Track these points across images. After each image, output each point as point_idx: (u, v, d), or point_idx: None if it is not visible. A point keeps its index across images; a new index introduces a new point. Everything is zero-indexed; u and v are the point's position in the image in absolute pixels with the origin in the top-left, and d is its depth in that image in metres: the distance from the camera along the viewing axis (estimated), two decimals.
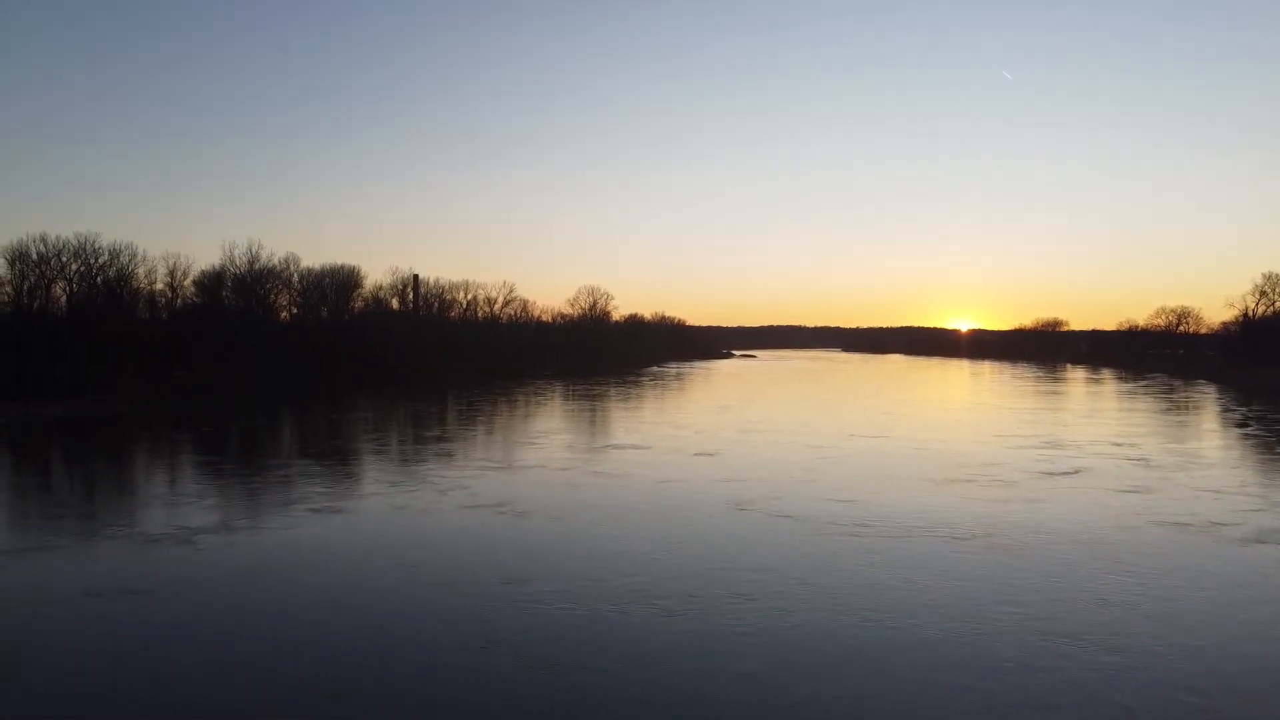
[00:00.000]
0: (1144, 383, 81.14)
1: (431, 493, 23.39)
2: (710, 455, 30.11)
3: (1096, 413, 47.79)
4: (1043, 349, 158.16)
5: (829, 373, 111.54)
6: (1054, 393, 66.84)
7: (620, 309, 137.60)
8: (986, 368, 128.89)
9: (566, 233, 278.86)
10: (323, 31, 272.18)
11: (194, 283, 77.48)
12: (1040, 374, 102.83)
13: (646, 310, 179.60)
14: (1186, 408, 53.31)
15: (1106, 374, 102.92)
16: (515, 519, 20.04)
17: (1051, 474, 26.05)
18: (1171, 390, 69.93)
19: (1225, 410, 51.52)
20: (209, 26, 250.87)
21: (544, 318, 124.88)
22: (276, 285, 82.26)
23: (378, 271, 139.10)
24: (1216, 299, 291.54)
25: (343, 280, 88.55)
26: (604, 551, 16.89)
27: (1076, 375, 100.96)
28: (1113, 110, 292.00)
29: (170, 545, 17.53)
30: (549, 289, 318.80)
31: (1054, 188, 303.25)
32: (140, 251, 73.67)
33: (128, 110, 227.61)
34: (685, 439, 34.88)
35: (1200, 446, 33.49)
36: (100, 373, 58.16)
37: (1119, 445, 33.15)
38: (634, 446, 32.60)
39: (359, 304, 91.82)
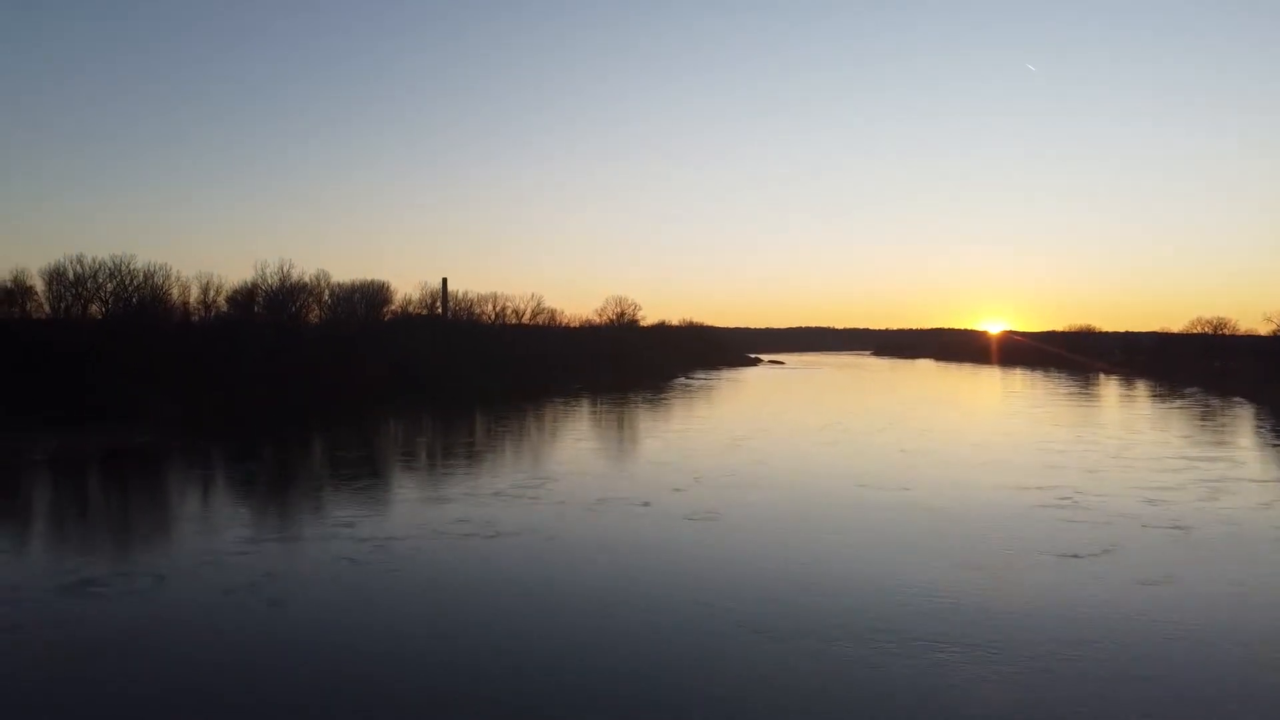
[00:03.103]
0: (1179, 401, 76.55)
1: (393, 563, 21.27)
2: (702, 520, 27.20)
3: (1129, 451, 43.89)
4: (1076, 352, 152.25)
5: (855, 386, 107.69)
6: (1086, 422, 62.63)
7: (648, 316, 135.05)
8: (1017, 378, 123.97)
9: (593, 242, 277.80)
10: (350, 56, 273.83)
11: (227, 299, 76.66)
12: (1072, 388, 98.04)
13: (675, 315, 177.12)
14: (1226, 441, 49.11)
15: (1140, 387, 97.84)
16: (438, 617, 17.44)
17: (1076, 556, 22.77)
18: (1209, 412, 65.50)
19: (1269, 445, 47.44)
20: (232, 52, 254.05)
21: (572, 325, 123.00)
22: (308, 301, 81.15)
23: (407, 287, 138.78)
24: (1254, 305, 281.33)
25: (372, 295, 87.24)
26: (507, 696, 14.15)
27: (1109, 390, 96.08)
28: (1146, 106, 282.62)
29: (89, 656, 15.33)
30: (577, 298, 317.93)
31: (1086, 186, 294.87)
32: (174, 272, 73.22)
33: (162, 137, 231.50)
34: (684, 490, 32.03)
35: (1241, 506, 29.86)
36: (133, 394, 56.89)
37: (1153, 504, 29.66)
38: (629, 501, 29.90)
39: (389, 317, 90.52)
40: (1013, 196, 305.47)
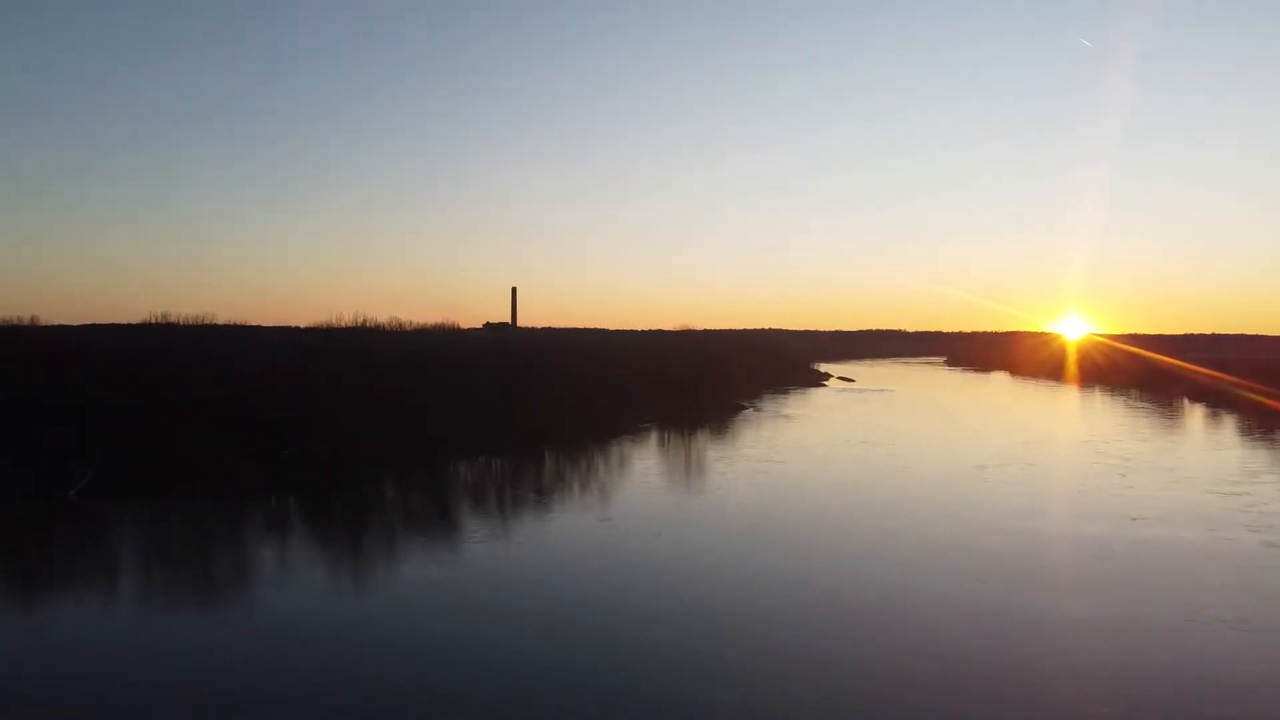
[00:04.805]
0: (1274, 449, 70.70)
1: None
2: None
3: (1212, 576, 39.87)
4: (1159, 367, 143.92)
5: (931, 422, 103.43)
6: (1171, 504, 57.96)
7: (715, 324, 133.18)
8: (1097, 408, 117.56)
9: (651, 247, 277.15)
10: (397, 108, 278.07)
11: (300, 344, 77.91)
12: (1155, 423, 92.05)
13: (744, 321, 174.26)
14: None
15: (1227, 425, 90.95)
16: None
17: None
18: None
19: None
20: (281, 107, 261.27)
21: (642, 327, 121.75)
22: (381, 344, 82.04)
23: (476, 323, 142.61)
24: None
25: (444, 336, 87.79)
26: None
27: (1194, 427, 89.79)
28: (1230, 84, 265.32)
29: None
30: (638, 313, 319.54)
31: (1160, 174, 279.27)
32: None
33: (239, 197, 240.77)
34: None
35: None
36: (210, 451, 57.40)
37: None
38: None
39: (455, 355, 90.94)
40: (1079, 185, 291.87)
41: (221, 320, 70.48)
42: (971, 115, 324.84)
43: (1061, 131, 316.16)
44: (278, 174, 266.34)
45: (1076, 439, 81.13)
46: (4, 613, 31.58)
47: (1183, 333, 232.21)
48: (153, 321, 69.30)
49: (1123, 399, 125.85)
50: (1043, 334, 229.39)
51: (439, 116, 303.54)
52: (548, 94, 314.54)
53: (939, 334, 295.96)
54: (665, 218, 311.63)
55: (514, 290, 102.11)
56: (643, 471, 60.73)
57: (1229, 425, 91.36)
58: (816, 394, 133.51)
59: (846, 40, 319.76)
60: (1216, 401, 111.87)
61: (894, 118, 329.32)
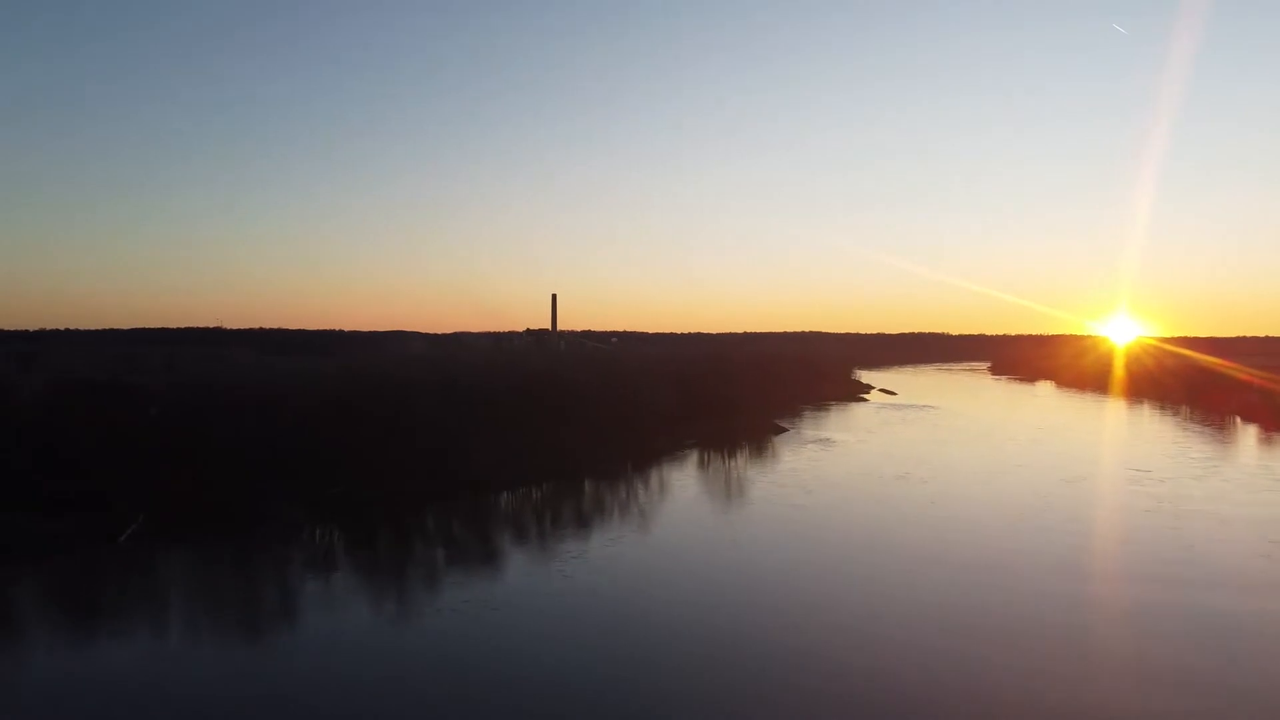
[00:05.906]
0: None
1: None
2: None
3: None
4: (1212, 373, 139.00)
5: (964, 445, 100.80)
6: (1219, 575, 55.32)
7: (757, 327, 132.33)
8: (1145, 426, 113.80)
9: (693, 258, 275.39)
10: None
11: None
12: (1207, 451, 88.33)
13: (785, 324, 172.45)
14: None
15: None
16: None
17: None
18: None
19: None
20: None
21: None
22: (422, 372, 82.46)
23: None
24: None
25: (488, 341, 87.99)
26: None
27: (1248, 458, 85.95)
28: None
29: None
30: (678, 323, 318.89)
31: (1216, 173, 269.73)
32: None
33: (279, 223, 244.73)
34: None
35: None
36: (253, 489, 57.74)
37: None
38: None
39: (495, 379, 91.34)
40: (1128, 182, 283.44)
41: (268, 325, 70.97)
42: (1016, 110, 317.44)
43: (1110, 125, 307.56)
44: (316, 184, 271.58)
45: (1125, 475, 75.54)
46: (86, 655, 33.29)
47: (1235, 335, 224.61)
48: (204, 327, 70.01)
49: (1173, 416, 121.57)
50: (1089, 338, 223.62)
51: (475, 126, 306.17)
52: (586, 101, 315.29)
53: (983, 337, 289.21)
54: (702, 220, 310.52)
55: (554, 297, 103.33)
56: (673, 513, 59.83)
57: (1254, 462, 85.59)
58: (857, 411, 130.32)
59: (885, 35, 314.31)
60: (1271, 417, 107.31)
61: (935, 115, 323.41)
